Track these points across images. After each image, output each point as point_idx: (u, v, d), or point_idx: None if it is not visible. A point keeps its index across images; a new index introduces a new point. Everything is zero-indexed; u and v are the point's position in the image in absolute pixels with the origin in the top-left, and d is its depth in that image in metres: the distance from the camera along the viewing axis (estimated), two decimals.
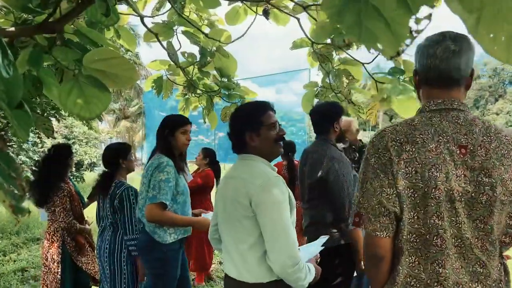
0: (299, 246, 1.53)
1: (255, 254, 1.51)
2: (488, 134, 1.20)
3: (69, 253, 3.07)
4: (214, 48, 3.10)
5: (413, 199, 1.19)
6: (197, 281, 4.32)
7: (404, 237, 1.21)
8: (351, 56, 2.62)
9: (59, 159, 3.13)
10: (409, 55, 2.39)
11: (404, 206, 1.19)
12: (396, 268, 1.25)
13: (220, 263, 4.98)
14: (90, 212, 3.36)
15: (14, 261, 5.28)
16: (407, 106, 2.48)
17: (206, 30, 3.04)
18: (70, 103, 1.48)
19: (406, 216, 1.20)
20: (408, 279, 1.21)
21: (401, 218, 1.21)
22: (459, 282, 1.17)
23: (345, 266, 2.24)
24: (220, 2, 2.63)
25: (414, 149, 1.19)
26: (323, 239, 1.89)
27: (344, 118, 2.79)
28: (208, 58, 3.09)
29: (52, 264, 3.01)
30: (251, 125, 1.61)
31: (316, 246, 1.81)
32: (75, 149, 11.40)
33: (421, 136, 1.21)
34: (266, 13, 2.64)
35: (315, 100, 3.05)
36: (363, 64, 2.58)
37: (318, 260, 1.76)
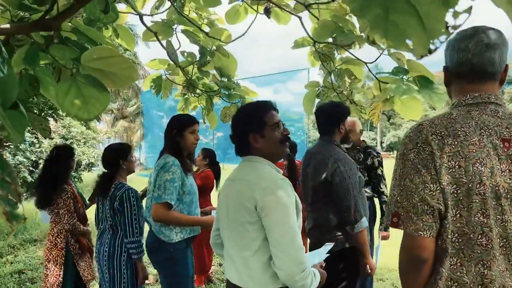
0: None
1: (259, 260, 1.46)
2: None
3: (71, 255, 3.05)
4: (214, 48, 3.06)
5: (455, 195, 1.12)
6: (197, 283, 4.28)
7: (448, 236, 1.14)
8: (353, 56, 2.58)
9: (61, 160, 3.10)
10: (414, 54, 2.37)
11: (448, 203, 1.13)
12: (438, 271, 1.17)
13: (220, 264, 4.94)
14: (89, 214, 3.31)
15: (11, 263, 5.22)
16: (411, 107, 2.44)
17: (206, 29, 3.00)
18: (68, 104, 1.43)
19: (449, 214, 1.13)
20: (449, 283, 1.14)
21: (446, 216, 1.14)
22: (506, 286, 1.10)
23: (350, 270, 2.20)
24: (220, 1, 2.59)
25: (456, 142, 1.13)
26: (328, 246, 1.84)
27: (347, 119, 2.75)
28: (208, 57, 3.05)
29: (54, 266, 2.98)
30: (254, 126, 1.56)
31: (320, 254, 1.76)
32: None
33: (462, 129, 1.15)
34: (267, 12, 2.60)
35: (316, 100, 3.01)
36: (365, 63, 2.54)
37: (323, 266, 1.71)
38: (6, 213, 0.68)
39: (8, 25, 1.35)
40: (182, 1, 2.77)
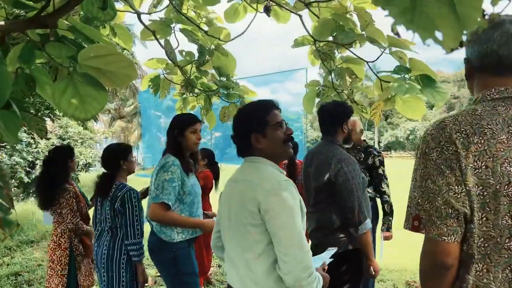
0: None
1: (262, 264, 1.41)
2: None
3: (74, 256, 3.03)
4: (213, 47, 3.03)
5: (482, 198, 1.05)
6: None
7: (474, 241, 1.06)
8: (354, 54, 2.55)
9: (58, 161, 3.08)
10: (415, 52, 2.34)
11: (473, 206, 1.05)
12: (463, 278, 1.10)
13: (219, 266, 4.90)
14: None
15: (8, 265, 5.17)
16: (413, 106, 2.41)
17: (204, 28, 2.97)
18: (64, 103, 1.39)
19: (475, 217, 1.06)
20: None
21: (471, 220, 1.06)
22: None
23: (353, 272, 2.16)
24: None
25: (483, 140, 1.05)
26: (331, 250, 1.81)
27: None
28: (207, 56, 3.02)
29: (58, 266, 2.98)
30: (256, 126, 1.52)
31: (324, 259, 1.72)
32: None
33: (489, 126, 1.07)
34: (267, 10, 2.57)
35: (316, 100, 2.98)
36: (367, 62, 2.51)
37: (326, 268, 1.68)
38: None
39: (2, 23, 1.32)
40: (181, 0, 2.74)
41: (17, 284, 4.49)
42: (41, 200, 3.05)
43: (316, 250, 2.07)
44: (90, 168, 13.70)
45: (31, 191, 9.60)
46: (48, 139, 10.12)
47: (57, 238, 3.01)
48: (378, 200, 3.47)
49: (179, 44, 2.96)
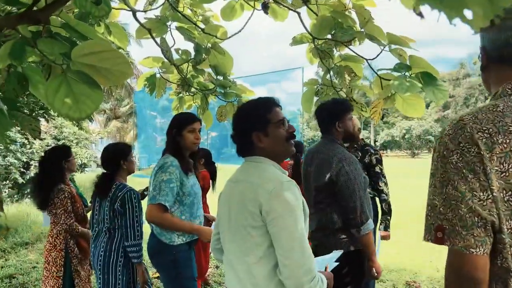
0: None
1: (263, 268, 1.36)
2: None
3: (70, 257, 2.98)
4: (209, 45, 2.98)
5: (510, 204, 0.95)
6: None
7: (509, 253, 0.95)
8: (354, 52, 2.52)
9: (53, 161, 3.04)
10: (415, 49, 2.31)
11: (501, 213, 0.95)
12: None
13: (217, 267, 4.86)
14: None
15: (2, 267, 5.09)
16: (414, 104, 2.38)
17: (201, 26, 2.93)
18: (58, 102, 1.34)
19: (505, 226, 0.95)
20: None
21: (500, 229, 0.95)
22: None
23: (355, 274, 2.12)
24: None
25: (508, 140, 0.96)
26: (336, 253, 1.76)
27: None
28: (203, 55, 2.97)
29: (53, 268, 2.93)
30: (257, 124, 1.47)
31: (327, 262, 1.67)
32: None
33: None
34: (265, 7, 2.53)
35: (315, 98, 2.95)
36: (366, 60, 2.47)
37: (327, 269, 1.63)
38: None
39: None
40: None
41: (11, 287, 4.42)
42: (37, 201, 3.02)
43: (317, 251, 2.03)
44: (85, 169, 13.62)
45: (25, 192, 9.51)
46: (42, 139, 10.04)
47: (53, 239, 2.96)
48: (377, 200, 3.44)
49: (175, 43, 2.91)
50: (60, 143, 10.75)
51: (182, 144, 2.48)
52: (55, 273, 2.90)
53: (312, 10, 2.54)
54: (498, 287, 0.99)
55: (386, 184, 3.31)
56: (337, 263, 1.72)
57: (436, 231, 1.02)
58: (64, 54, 1.36)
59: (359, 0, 2.42)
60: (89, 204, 3.34)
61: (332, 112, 2.39)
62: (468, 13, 0.57)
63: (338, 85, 2.78)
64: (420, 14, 0.61)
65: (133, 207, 2.57)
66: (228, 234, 1.50)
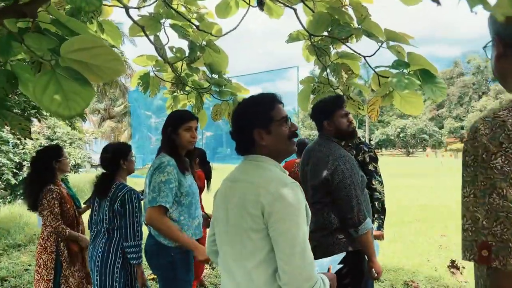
0: None
1: (263, 273, 1.30)
2: None
3: (60, 260, 2.90)
4: (204, 43, 2.93)
5: None
6: None
7: None
8: (351, 49, 2.48)
9: (43, 161, 2.98)
10: (414, 46, 2.28)
11: None
12: None
13: (213, 268, 4.81)
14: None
15: None
16: (412, 102, 2.35)
17: (195, 24, 2.87)
18: (47, 100, 1.29)
19: None
20: None
21: None
22: None
23: (354, 275, 2.07)
24: None
25: None
26: (338, 257, 1.71)
27: None
28: (198, 53, 2.93)
29: (44, 271, 2.85)
30: (260, 121, 1.40)
31: (329, 264, 1.62)
32: None
33: None
34: (260, 4, 2.48)
35: (311, 97, 2.91)
36: (364, 57, 2.44)
37: (330, 269, 1.59)
38: None
39: None
40: None
41: None
42: (28, 202, 2.96)
43: (315, 251, 1.97)
44: (79, 169, 13.51)
45: (18, 193, 9.40)
46: (32, 139, 9.91)
47: (44, 242, 2.89)
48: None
49: (169, 40, 2.86)
50: (53, 143, 10.64)
51: (178, 142, 2.40)
52: (45, 276, 2.83)
53: (308, 7, 2.50)
54: None
55: (380, 182, 3.25)
56: (341, 265, 1.67)
57: (480, 249, 0.87)
58: (52, 50, 1.31)
59: None
60: (83, 205, 3.28)
61: (322, 110, 2.34)
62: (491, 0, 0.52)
63: (335, 83, 2.74)
64: (437, 1, 0.57)
65: (133, 208, 2.53)
66: (225, 236, 1.43)
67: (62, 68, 1.27)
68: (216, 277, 4.53)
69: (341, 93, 2.72)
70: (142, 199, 2.78)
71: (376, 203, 3.20)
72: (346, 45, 2.47)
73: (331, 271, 1.59)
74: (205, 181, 4.15)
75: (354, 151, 3.25)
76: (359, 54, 2.48)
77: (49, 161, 2.98)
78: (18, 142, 9.09)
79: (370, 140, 52.85)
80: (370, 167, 3.24)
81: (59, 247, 2.89)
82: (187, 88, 3.39)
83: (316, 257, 1.37)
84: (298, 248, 1.23)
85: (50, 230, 2.85)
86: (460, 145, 50.08)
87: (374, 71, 2.40)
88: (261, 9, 2.59)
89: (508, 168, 0.84)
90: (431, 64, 2.16)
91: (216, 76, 3.21)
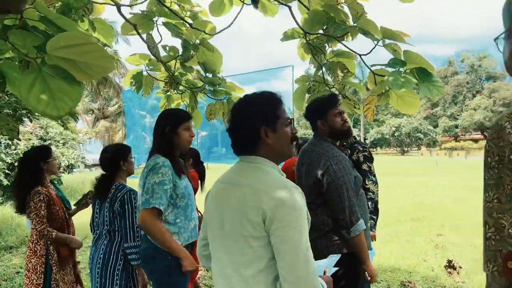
0: None
1: (263, 282, 1.24)
2: None
3: (50, 264, 2.83)
4: (198, 41, 2.89)
5: None
6: None
7: None
8: (347, 47, 2.45)
9: (31, 163, 2.91)
10: (410, 44, 2.25)
11: None
12: None
13: (207, 270, 4.76)
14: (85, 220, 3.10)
15: None
16: (408, 101, 2.32)
17: (189, 22, 2.83)
18: (33, 99, 1.25)
19: None
20: None
21: None
22: None
23: (349, 277, 2.03)
24: None
25: None
26: (334, 258, 1.67)
27: None
28: (192, 51, 2.88)
29: (33, 275, 2.79)
30: (268, 119, 1.34)
31: (324, 267, 1.58)
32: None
33: None
34: (255, 2, 2.44)
35: (307, 96, 2.87)
36: (360, 55, 2.40)
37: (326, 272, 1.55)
38: None
39: None
40: None
41: None
42: (14, 204, 2.90)
43: None
44: (73, 170, 13.38)
45: (10, 194, 9.31)
46: (20, 140, 9.80)
47: (33, 245, 2.83)
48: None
49: (162, 39, 2.81)
50: (46, 143, 10.53)
51: (176, 142, 2.32)
52: (35, 280, 2.76)
53: (303, 4, 2.47)
54: None
55: (374, 182, 3.20)
56: (337, 268, 1.63)
57: (505, 260, 0.79)
58: (39, 48, 1.26)
59: None
60: (73, 207, 3.21)
61: (316, 109, 2.30)
62: None
63: (331, 82, 2.71)
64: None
65: (133, 208, 2.50)
66: (220, 243, 1.36)
67: (48, 66, 1.22)
68: (211, 278, 4.48)
69: (337, 92, 2.69)
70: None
71: (369, 203, 3.15)
72: (342, 43, 2.44)
73: (327, 273, 1.54)
74: (199, 181, 4.10)
75: (349, 151, 3.20)
76: (355, 52, 2.45)
77: (37, 162, 2.91)
78: (10, 142, 8.98)
79: (365, 139, 52.96)
80: (364, 166, 3.19)
81: (48, 251, 2.83)
82: (181, 88, 3.35)
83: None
84: (301, 256, 1.18)
85: (35, 233, 2.79)
86: (454, 144, 50.42)
87: (370, 69, 2.37)
88: (256, 6, 2.55)
89: None
90: (428, 63, 2.13)
91: (210, 75, 3.16)
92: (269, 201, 1.20)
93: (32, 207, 2.77)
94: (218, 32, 2.83)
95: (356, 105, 2.69)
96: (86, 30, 2.67)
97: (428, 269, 4.48)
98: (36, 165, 2.90)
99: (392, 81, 2.12)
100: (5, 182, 8.92)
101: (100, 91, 21.52)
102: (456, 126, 58.98)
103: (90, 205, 3.26)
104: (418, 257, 5.02)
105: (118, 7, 2.49)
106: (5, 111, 3.99)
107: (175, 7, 2.88)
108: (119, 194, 2.54)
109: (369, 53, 2.30)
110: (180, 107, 3.54)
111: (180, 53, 2.89)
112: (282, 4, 2.52)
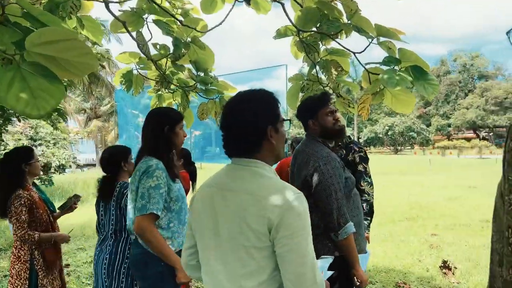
0: None
1: None
2: None
3: (35, 270, 2.75)
4: (189, 39, 2.83)
5: None
6: None
7: None
8: (341, 45, 2.40)
9: (13, 164, 2.80)
10: (405, 42, 2.20)
11: None
12: None
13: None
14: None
15: None
16: (403, 100, 2.28)
17: (180, 19, 2.77)
18: (12, 98, 1.18)
19: None
20: None
21: None
22: None
23: (342, 281, 1.97)
24: None
25: None
26: (326, 260, 1.61)
27: None
28: (183, 50, 2.82)
29: (17, 281, 2.70)
30: (273, 117, 1.27)
31: (321, 269, 1.53)
32: (42, 151, 10.79)
33: None
34: None
35: (300, 95, 2.82)
36: (354, 53, 2.36)
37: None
38: None
39: None
40: None
41: None
42: None
43: None
44: (65, 170, 13.24)
45: None
46: (3, 141, 9.65)
47: (17, 251, 2.73)
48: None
49: (153, 37, 2.75)
50: (36, 143, 10.41)
51: (175, 142, 2.23)
52: (18, 286, 2.67)
53: (296, 1, 2.42)
54: None
55: (370, 184, 3.15)
56: (333, 272, 1.58)
57: None
58: (17, 43, 1.19)
59: None
60: (57, 211, 3.12)
61: (307, 108, 2.24)
62: None
63: (324, 81, 2.66)
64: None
65: None
66: (215, 253, 1.26)
67: (28, 63, 1.16)
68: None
69: (331, 91, 2.64)
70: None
71: (364, 204, 3.10)
72: (336, 41, 2.39)
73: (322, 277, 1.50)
74: (190, 182, 4.04)
75: (344, 151, 3.15)
76: (349, 50, 2.40)
77: (19, 164, 2.80)
78: None
79: (358, 138, 53.09)
80: (360, 167, 3.14)
81: (33, 256, 2.74)
82: (172, 87, 3.28)
83: None
84: (308, 266, 1.12)
85: (15, 239, 2.70)
86: (447, 143, 50.65)
87: (365, 67, 2.33)
88: (248, 3, 2.50)
89: None
90: (423, 61, 2.09)
91: (202, 74, 3.11)
92: (274, 209, 1.13)
93: (13, 211, 2.67)
94: (209, 30, 2.78)
95: (350, 104, 2.64)
96: (74, 28, 2.61)
97: (423, 270, 4.45)
98: (17, 167, 2.79)
99: (387, 79, 2.08)
100: None
101: (92, 91, 21.36)
102: (449, 125, 59.34)
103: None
104: (412, 257, 5.00)
105: (107, 3, 2.42)
106: None
107: (166, 5, 2.82)
108: (125, 191, 2.54)
109: (363, 51, 2.26)
110: (172, 107, 3.48)
111: (171, 51, 2.83)
112: (275, 1, 2.46)
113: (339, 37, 2.42)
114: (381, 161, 28.83)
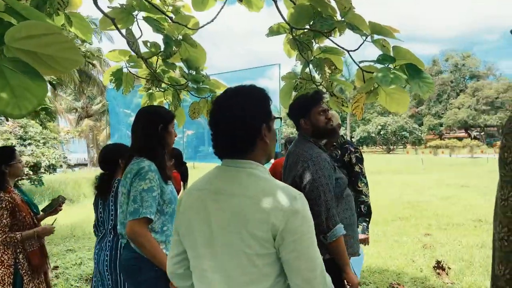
0: None
1: None
2: None
3: (20, 274, 2.66)
4: (180, 37, 2.78)
5: None
6: None
7: None
8: (334, 43, 2.36)
9: None
10: (400, 40, 2.17)
11: None
12: None
13: None
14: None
15: None
16: (397, 99, 2.25)
17: (171, 17, 2.71)
18: None
19: None
20: None
21: None
22: None
23: (334, 284, 1.92)
24: None
25: None
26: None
27: None
28: (174, 47, 2.77)
29: (0, 287, 2.59)
30: (267, 115, 1.21)
31: None
32: (32, 150, 10.62)
33: None
34: None
35: (293, 93, 2.78)
36: (348, 51, 2.32)
37: None
38: None
39: None
40: None
41: None
42: None
43: None
44: (55, 170, 13.06)
45: None
46: (7, 139, 9.53)
47: (0, 255, 2.61)
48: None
49: (143, 34, 2.69)
50: (26, 143, 10.24)
51: (168, 141, 2.16)
52: None
53: None
54: None
55: (366, 184, 3.12)
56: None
57: None
58: None
59: None
60: (41, 213, 3.02)
61: (299, 107, 2.19)
62: None
63: (318, 79, 2.62)
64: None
65: None
66: (210, 261, 1.18)
67: (8, 59, 1.10)
68: None
69: (324, 90, 2.61)
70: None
71: (362, 206, 3.06)
72: (329, 39, 2.35)
73: None
74: (182, 183, 3.98)
75: (339, 151, 3.11)
76: (343, 48, 2.37)
77: (1, 165, 2.69)
78: None
79: (351, 137, 53.22)
80: (356, 168, 3.09)
81: (18, 260, 2.64)
82: (163, 85, 3.23)
83: None
84: (318, 270, 1.08)
85: None
86: (438, 142, 51.02)
87: (359, 66, 2.29)
88: (240, 0, 2.45)
89: None
90: (418, 59, 2.06)
91: (194, 72, 3.05)
92: (278, 213, 1.06)
93: None
94: (201, 27, 2.72)
95: (344, 103, 2.61)
96: (62, 25, 2.54)
97: (416, 270, 4.43)
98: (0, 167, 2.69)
99: (381, 78, 2.05)
100: None
101: (83, 90, 21.19)
102: (441, 125, 59.78)
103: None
104: (406, 257, 4.98)
105: (95, 0, 2.36)
106: None
107: (156, 1, 2.76)
108: None
109: (357, 49, 2.23)
110: (163, 105, 3.42)
111: (162, 49, 2.77)
112: None
113: (333, 35, 2.38)
114: (373, 161, 28.93)
